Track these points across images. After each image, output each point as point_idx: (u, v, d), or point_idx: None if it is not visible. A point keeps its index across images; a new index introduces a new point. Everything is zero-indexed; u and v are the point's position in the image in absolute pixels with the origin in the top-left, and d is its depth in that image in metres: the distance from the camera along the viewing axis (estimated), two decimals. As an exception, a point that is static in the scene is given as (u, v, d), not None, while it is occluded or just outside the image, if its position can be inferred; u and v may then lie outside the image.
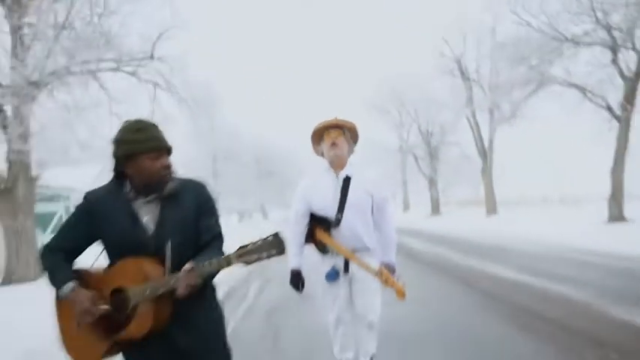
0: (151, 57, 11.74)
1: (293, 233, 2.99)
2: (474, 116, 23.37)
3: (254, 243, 1.66)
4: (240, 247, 1.67)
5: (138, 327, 1.67)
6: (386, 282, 2.72)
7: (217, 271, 1.70)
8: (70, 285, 1.72)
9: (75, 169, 15.69)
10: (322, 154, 3.03)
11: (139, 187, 1.79)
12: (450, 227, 18.81)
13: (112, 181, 1.85)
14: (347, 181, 2.90)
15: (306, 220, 2.98)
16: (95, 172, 19.95)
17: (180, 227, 1.79)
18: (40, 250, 1.84)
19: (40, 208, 11.83)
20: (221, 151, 32.37)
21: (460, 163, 28.33)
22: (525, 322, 4.53)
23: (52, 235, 1.86)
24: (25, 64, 8.65)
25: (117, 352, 1.80)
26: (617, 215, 13.54)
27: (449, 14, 31.92)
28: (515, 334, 4.16)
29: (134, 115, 12.08)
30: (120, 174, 1.82)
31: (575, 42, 13.25)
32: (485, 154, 23.11)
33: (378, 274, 2.74)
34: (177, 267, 1.70)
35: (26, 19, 9.35)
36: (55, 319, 1.84)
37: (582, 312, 4.69)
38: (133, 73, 11.79)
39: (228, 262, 1.66)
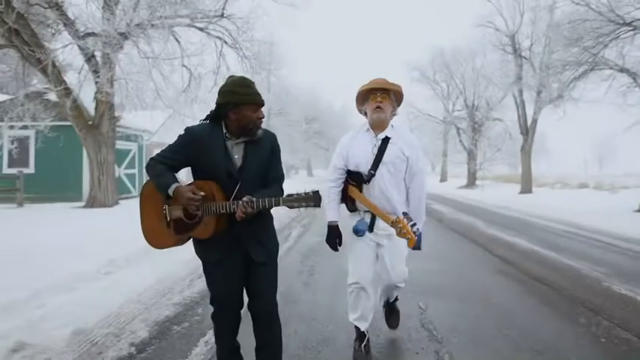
0: (221, 15, 12.01)
1: (330, 187, 2.88)
2: (520, 94, 22.29)
3: (299, 193, 2.09)
4: (288, 195, 2.11)
5: (203, 232, 2.15)
6: (400, 230, 2.57)
7: (268, 207, 2.08)
8: (175, 184, 2.10)
9: (147, 113, 16.47)
10: (365, 114, 2.89)
11: (234, 130, 2.15)
12: (481, 199, 18.56)
13: (209, 123, 2.19)
14: (385, 141, 2.78)
15: (343, 176, 2.87)
16: (164, 117, 20.82)
17: (259, 165, 2.19)
18: (148, 161, 2.22)
19: (118, 145, 12.70)
20: (274, 107, 32.77)
21: (501, 139, 27.39)
22: (532, 286, 4.72)
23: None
24: (114, 16, 9.18)
25: (184, 243, 2.26)
26: (649, 205, 12.86)
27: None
28: (521, 296, 4.40)
29: (202, 67, 12.51)
30: (217, 118, 2.16)
31: (634, 26, 12.29)
32: (527, 132, 22.19)
33: (395, 223, 2.59)
34: (250, 194, 2.09)
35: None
36: (140, 216, 2.30)
37: (587, 285, 4.80)
38: (203, 29, 12.15)
39: (277, 202, 2.08)
